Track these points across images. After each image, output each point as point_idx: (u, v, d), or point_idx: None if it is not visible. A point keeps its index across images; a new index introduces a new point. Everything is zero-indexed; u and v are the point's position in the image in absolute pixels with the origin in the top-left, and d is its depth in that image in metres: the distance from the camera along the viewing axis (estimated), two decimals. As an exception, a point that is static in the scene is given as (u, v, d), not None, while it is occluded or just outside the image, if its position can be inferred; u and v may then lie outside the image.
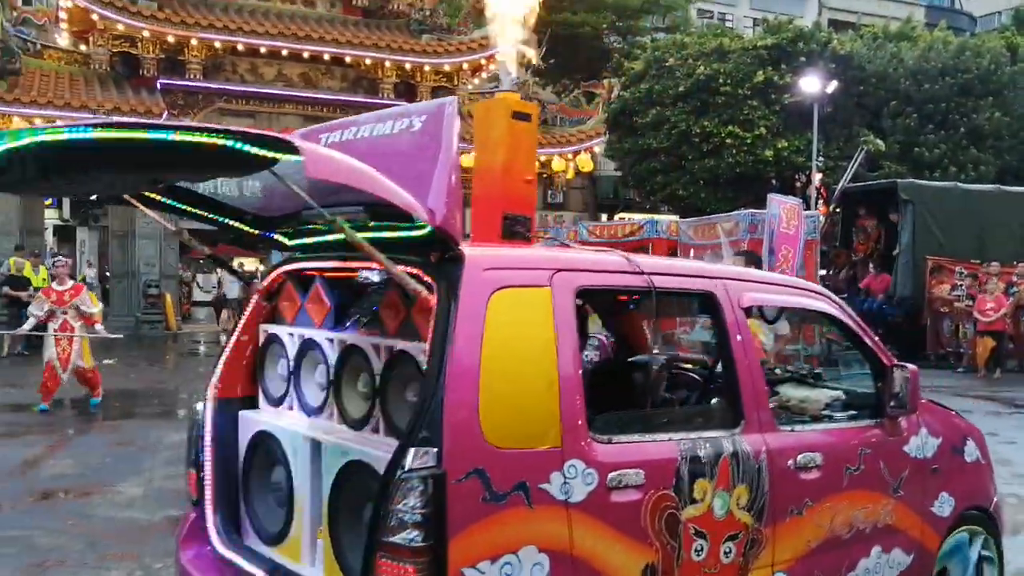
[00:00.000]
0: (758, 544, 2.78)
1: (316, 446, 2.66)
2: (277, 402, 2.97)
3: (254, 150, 1.94)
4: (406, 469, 2.12)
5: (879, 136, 21.71)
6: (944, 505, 3.46)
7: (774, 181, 21.21)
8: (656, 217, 17.03)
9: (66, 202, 28.46)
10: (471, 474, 2.16)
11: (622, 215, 26.58)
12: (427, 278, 2.32)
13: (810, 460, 2.95)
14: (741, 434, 2.79)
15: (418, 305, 2.42)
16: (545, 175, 19.40)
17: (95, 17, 15.85)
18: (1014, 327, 12.92)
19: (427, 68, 18.15)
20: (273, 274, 3.05)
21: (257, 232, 3.05)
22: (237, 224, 3.00)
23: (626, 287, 2.79)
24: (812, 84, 18.89)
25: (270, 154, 1.95)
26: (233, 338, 3.05)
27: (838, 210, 15.94)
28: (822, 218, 14.80)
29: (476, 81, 19.74)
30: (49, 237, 23.44)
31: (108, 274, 21.60)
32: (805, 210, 13.22)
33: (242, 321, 3.07)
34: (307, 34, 16.99)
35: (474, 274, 2.31)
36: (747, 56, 21.83)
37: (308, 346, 2.84)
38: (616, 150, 24.13)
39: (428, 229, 2.22)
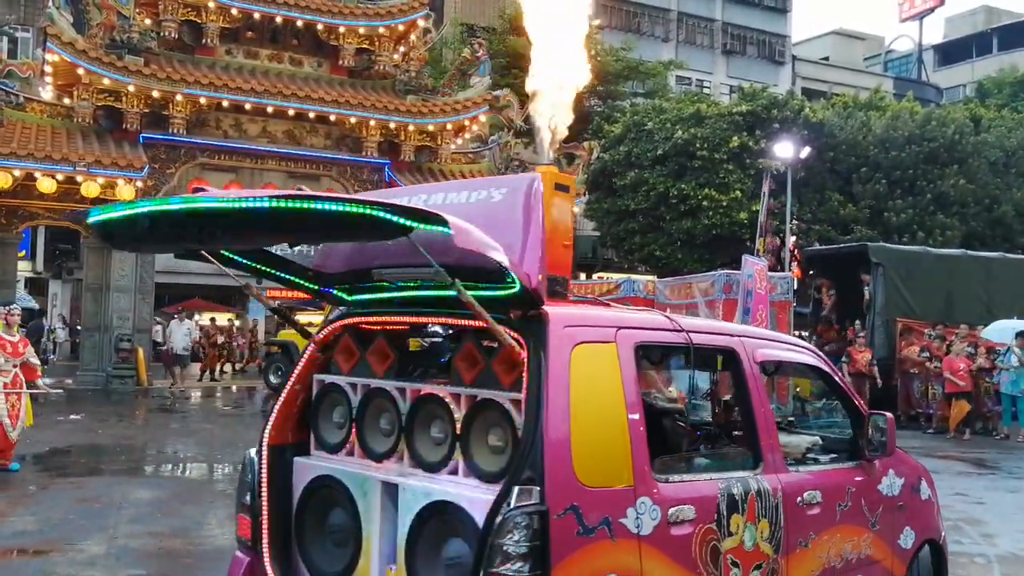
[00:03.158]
0: (775, 573, 3.08)
1: (390, 488, 2.81)
2: (334, 448, 3.09)
3: (404, 221, 2.17)
4: (512, 507, 2.34)
5: (849, 200, 22.26)
6: (908, 538, 3.85)
7: (749, 243, 21.58)
8: (633, 277, 17.21)
9: (39, 254, 28.24)
10: (568, 510, 2.40)
11: (600, 274, 26.83)
12: (512, 333, 2.58)
13: (813, 497, 3.31)
14: (761, 474, 3.12)
15: (500, 357, 2.68)
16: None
17: (81, 72, 16.02)
18: (976, 389, 13.09)
19: (411, 128, 18.45)
20: (329, 327, 3.20)
21: (317, 287, 3.24)
22: (299, 280, 3.21)
23: (670, 343, 3.09)
24: (786, 149, 19.43)
25: (416, 225, 2.18)
26: (287, 387, 3.17)
27: (811, 272, 16.24)
28: (795, 280, 15.06)
29: (459, 141, 20.07)
30: (21, 289, 23.14)
31: (79, 327, 21.31)
32: (780, 272, 13.43)
33: (296, 371, 3.19)
34: (293, 92, 17.25)
35: (558, 331, 2.58)
36: (723, 122, 22.47)
37: (373, 395, 3.00)
38: (595, 210, 24.51)
39: (517, 289, 2.48)
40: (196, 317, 30.65)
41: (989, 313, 14.47)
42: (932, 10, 45.80)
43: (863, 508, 3.56)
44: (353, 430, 3.03)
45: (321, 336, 3.21)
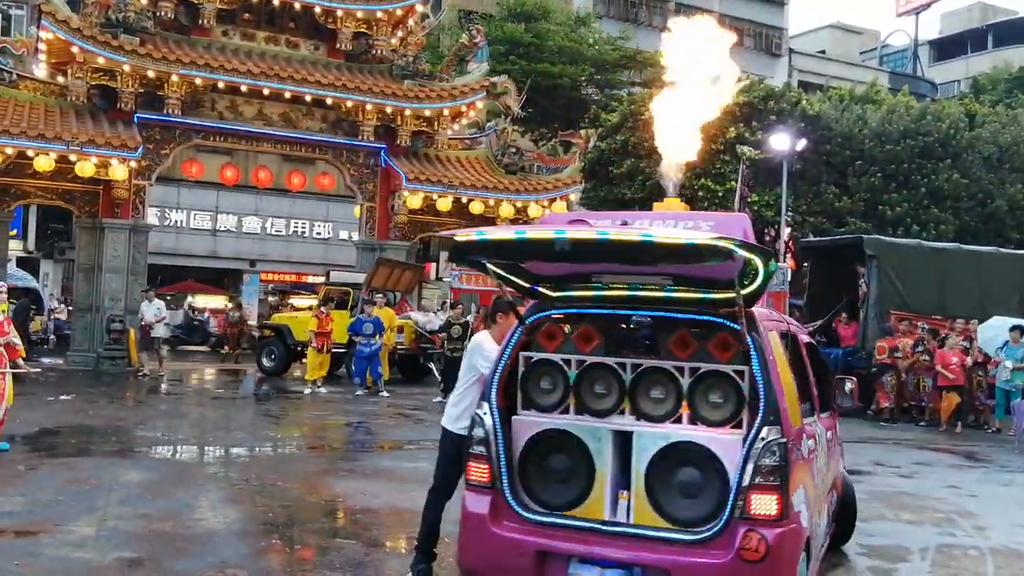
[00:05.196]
0: (824, 483, 4.44)
1: (620, 435, 3.79)
2: (548, 409, 3.97)
3: (738, 251, 3.16)
4: (767, 440, 3.49)
5: (844, 193, 22.25)
6: (840, 464, 5.48)
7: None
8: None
9: (31, 233, 28.03)
10: (792, 441, 3.58)
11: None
12: (727, 323, 3.71)
13: (829, 435, 4.82)
14: (815, 418, 4.42)
15: (715, 341, 3.78)
16: (521, 221, 19.57)
17: (75, 50, 15.84)
18: (968, 383, 13.12)
19: (408, 113, 18.33)
20: (535, 316, 4.11)
21: (528, 286, 4.17)
22: (514, 279, 4.11)
23: (783, 331, 4.25)
24: (782, 141, 19.39)
25: (747, 256, 3.22)
26: (505, 362, 4.03)
27: (805, 264, 16.27)
28: (790, 272, 15.04)
29: (456, 127, 19.95)
30: (12, 269, 22.94)
31: (70, 308, 21.18)
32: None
33: (509, 350, 4.05)
34: (289, 75, 17.09)
35: (763, 322, 3.77)
36: (720, 112, 22.32)
37: (591, 368, 3.90)
38: (591, 198, 24.46)
39: (751, 292, 3.55)
40: (189, 299, 30.57)
41: (981, 306, 14.51)
42: (928, 6, 45.76)
43: (836, 443, 5.10)
44: (571, 394, 3.92)
45: (530, 323, 4.08)
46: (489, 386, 3.99)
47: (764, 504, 3.44)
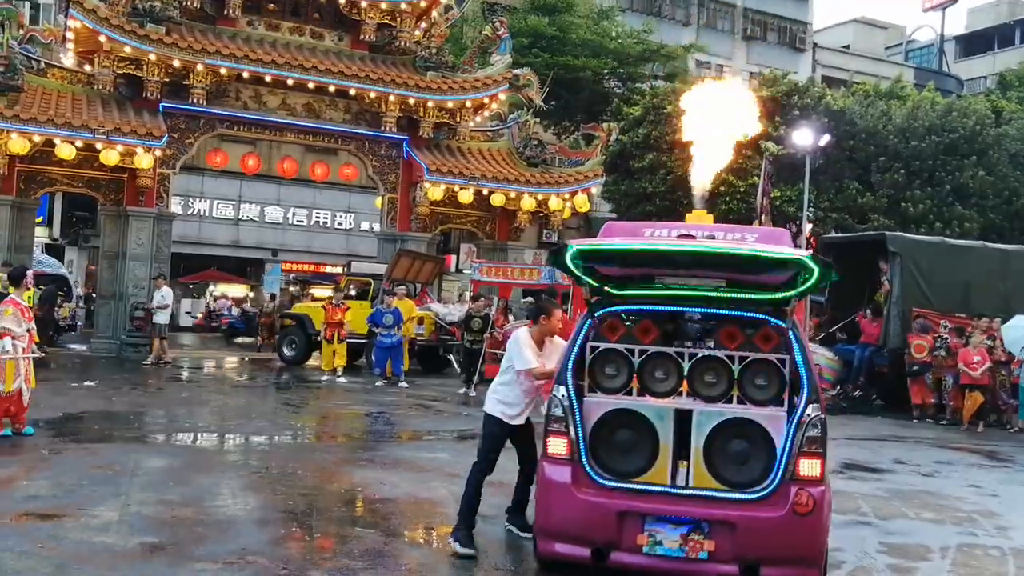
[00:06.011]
0: None
1: (681, 413, 4.40)
2: (613, 391, 4.55)
3: (809, 263, 4.02)
4: (811, 415, 4.23)
5: (868, 189, 22.00)
6: None
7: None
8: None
9: (56, 220, 28.41)
10: (825, 416, 4.31)
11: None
12: (770, 318, 4.49)
13: None
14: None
15: (760, 334, 4.47)
16: (542, 214, 19.55)
17: (102, 39, 15.99)
18: (992, 381, 12.94)
19: (430, 104, 18.35)
20: (601, 311, 4.71)
21: (598, 285, 4.78)
22: (587, 279, 4.72)
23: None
24: (805, 137, 19.19)
25: (813, 267, 4.03)
26: (575, 350, 4.59)
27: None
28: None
29: (478, 119, 19.93)
30: (42, 256, 23.27)
31: (94, 295, 21.45)
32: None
33: (579, 340, 4.62)
34: (313, 65, 17.16)
35: (793, 317, 4.46)
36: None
37: (652, 356, 4.52)
38: (613, 192, 24.37)
39: (789, 295, 4.37)
40: (210, 288, 30.84)
41: (1007, 305, 14.29)
42: (955, 1, 45.01)
43: None
44: (635, 378, 4.51)
45: (598, 316, 4.69)
46: (564, 371, 4.54)
47: (810, 467, 4.18)
